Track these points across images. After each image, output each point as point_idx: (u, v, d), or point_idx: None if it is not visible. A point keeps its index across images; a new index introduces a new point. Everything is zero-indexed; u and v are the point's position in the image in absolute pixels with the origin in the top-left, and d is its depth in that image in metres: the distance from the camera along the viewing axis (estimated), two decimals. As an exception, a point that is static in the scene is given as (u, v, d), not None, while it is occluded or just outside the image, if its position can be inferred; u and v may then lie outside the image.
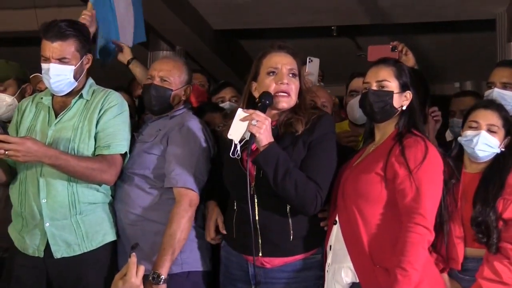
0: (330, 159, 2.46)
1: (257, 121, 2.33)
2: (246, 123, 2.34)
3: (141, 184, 2.70)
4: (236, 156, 2.36)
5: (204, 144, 2.73)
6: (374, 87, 2.46)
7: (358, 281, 2.32)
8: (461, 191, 2.58)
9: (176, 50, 6.84)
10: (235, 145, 2.36)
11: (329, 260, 2.43)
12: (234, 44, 7.57)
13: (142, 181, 2.70)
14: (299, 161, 2.42)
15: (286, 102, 2.49)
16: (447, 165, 2.43)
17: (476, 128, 2.60)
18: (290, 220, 2.44)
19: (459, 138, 2.64)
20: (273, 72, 2.49)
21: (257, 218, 2.44)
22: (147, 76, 2.91)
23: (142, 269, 2.34)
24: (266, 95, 2.45)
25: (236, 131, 2.36)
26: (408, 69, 2.55)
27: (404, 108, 2.47)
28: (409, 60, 3.03)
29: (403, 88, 2.47)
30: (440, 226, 2.44)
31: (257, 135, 2.33)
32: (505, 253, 2.45)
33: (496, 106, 2.63)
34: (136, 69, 3.28)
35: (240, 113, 2.37)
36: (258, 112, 2.36)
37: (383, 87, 2.45)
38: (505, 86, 3.02)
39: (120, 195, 2.75)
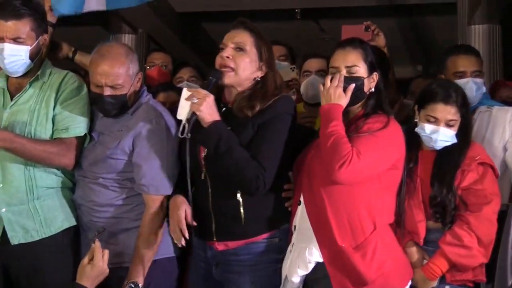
0: (277, 141, 2.38)
1: (197, 98, 2.31)
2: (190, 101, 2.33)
3: (107, 183, 2.61)
4: (185, 135, 2.34)
5: (171, 136, 2.60)
6: (344, 73, 2.41)
7: (322, 260, 2.32)
8: (419, 169, 2.57)
9: (138, 33, 6.74)
10: (183, 125, 2.34)
11: (293, 240, 2.42)
12: (197, 27, 7.50)
13: (108, 182, 2.61)
14: (245, 142, 2.37)
15: (228, 77, 2.43)
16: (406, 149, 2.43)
17: (435, 123, 2.56)
18: (241, 203, 2.39)
19: (416, 129, 2.60)
20: (222, 48, 2.46)
21: (210, 202, 2.42)
22: (92, 80, 2.59)
23: (107, 253, 2.38)
24: (213, 71, 2.43)
25: (183, 111, 2.34)
26: (372, 48, 2.52)
27: (372, 90, 2.44)
28: (381, 40, 3.03)
29: (371, 70, 2.44)
30: (400, 206, 2.47)
31: (197, 113, 2.31)
32: (465, 219, 2.47)
33: (454, 98, 2.56)
34: (84, 59, 2.98)
35: (185, 92, 2.35)
36: (199, 90, 2.34)
37: (353, 73, 2.41)
38: (475, 75, 2.94)
39: (83, 190, 2.65)
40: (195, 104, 2.30)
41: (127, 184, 2.60)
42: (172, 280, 2.66)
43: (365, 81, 2.42)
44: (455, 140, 2.57)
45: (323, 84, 2.40)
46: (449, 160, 2.54)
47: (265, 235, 2.43)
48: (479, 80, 2.95)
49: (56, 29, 3.03)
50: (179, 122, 2.61)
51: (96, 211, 2.61)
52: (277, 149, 2.37)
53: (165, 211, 2.56)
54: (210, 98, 2.33)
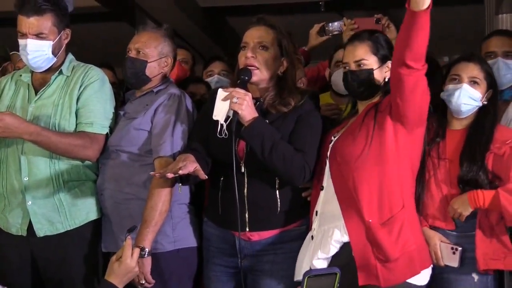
0: (315, 133, 2.50)
1: (237, 98, 2.36)
2: (228, 102, 2.37)
3: (130, 162, 2.65)
4: (223, 135, 2.39)
5: (187, 112, 2.67)
6: (353, 67, 2.45)
7: (348, 240, 2.34)
8: (447, 149, 2.56)
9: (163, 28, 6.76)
10: (221, 125, 2.40)
11: (315, 225, 2.45)
12: (221, 21, 7.51)
13: (131, 159, 2.65)
14: (287, 134, 2.46)
15: (254, 75, 2.48)
16: (432, 122, 2.47)
17: (458, 81, 2.56)
18: (277, 194, 2.48)
19: (441, 94, 2.60)
20: (244, 46, 2.52)
21: (245, 194, 2.46)
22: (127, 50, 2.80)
23: (137, 252, 2.39)
24: (243, 70, 2.47)
25: (220, 111, 2.39)
26: (385, 39, 2.51)
27: (387, 79, 2.45)
28: (392, 32, 3.04)
29: (383, 60, 2.45)
30: (423, 185, 2.50)
31: (239, 111, 2.36)
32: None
33: (478, 58, 2.60)
34: None
35: (221, 93, 2.40)
36: (237, 89, 2.39)
37: (361, 65, 2.44)
38: (506, 55, 2.96)
39: (107, 173, 2.69)
40: (236, 103, 2.36)
41: (147, 160, 2.62)
42: (193, 270, 2.69)
43: (376, 71, 2.44)
44: (479, 103, 2.54)
45: None
46: (480, 138, 2.52)
47: (296, 224, 2.52)
48: (511, 61, 2.92)
49: (82, 25, 3.06)
50: (198, 109, 2.69)
51: (119, 192, 2.64)
52: (316, 141, 2.49)
53: (173, 179, 2.53)
54: (249, 97, 2.40)
